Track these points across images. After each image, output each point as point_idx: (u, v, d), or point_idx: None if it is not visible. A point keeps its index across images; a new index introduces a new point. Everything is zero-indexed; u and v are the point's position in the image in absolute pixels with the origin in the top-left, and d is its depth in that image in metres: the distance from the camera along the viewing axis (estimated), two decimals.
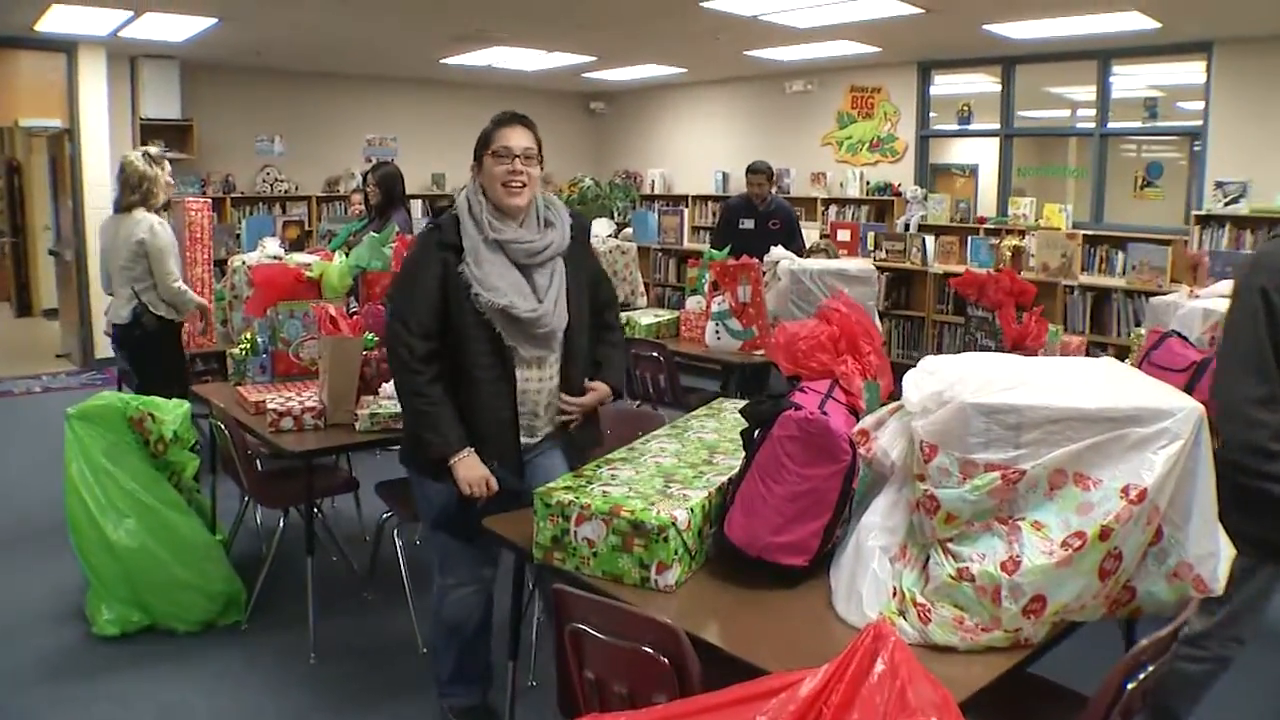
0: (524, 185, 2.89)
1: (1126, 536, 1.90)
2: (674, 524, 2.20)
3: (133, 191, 4.88)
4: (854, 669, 1.61)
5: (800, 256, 6.17)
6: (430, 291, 2.86)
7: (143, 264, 4.86)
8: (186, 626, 3.90)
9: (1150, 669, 1.95)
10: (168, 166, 5.04)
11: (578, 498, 2.32)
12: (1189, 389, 3.58)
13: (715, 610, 2.17)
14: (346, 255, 4.79)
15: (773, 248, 6.12)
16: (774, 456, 2.26)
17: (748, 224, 7.37)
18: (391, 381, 3.86)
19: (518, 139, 2.90)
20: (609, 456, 2.71)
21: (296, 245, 8.50)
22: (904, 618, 2.00)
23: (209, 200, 5.40)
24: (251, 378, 4.34)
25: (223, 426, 3.96)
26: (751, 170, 7.40)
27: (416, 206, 11.10)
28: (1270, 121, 7.35)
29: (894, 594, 2.05)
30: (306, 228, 10.31)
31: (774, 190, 7.61)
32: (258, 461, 4.65)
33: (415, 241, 3.18)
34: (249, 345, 4.36)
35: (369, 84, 11.34)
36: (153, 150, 5.05)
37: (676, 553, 2.21)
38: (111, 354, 6.85)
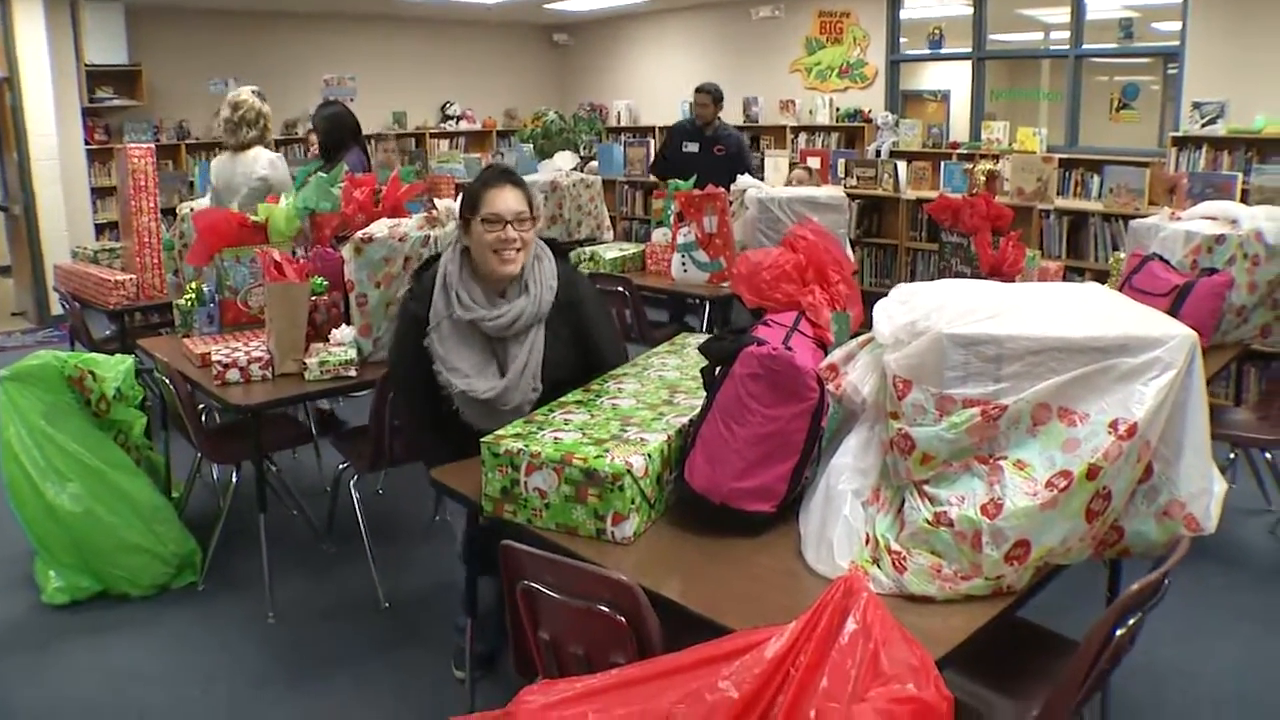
0: (518, 251, 2.75)
1: (1115, 475, 1.76)
2: (629, 472, 2.05)
3: (250, 128, 4.94)
4: (823, 627, 1.50)
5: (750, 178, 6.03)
6: (409, 354, 2.87)
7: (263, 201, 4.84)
8: (140, 591, 3.75)
9: (1139, 615, 1.83)
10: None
11: (527, 445, 2.16)
12: (1172, 313, 3.46)
13: (676, 564, 2.03)
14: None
15: (727, 175, 5.97)
16: (736, 396, 2.10)
17: (691, 147, 7.17)
18: (342, 327, 3.74)
19: (507, 203, 2.73)
20: (562, 400, 2.54)
21: None
22: (878, 566, 1.86)
23: (152, 146, 5.15)
24: (199, 329, 4.13)
25: (168, 381, 3.78)
26: (697, 89, 7.17)
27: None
28: (1248, 40, 7.14)
29: (867, 541, 1.91)
30: None
31: (720, 116, 7.35)
32: (216, 415, 4.49)
33: (403, 298, 3.14)
34: (195, 295, 4.16)
35: (324, 22, 10.94)
36: (256, 88, 5.10)
37: (634, 502, 2.06)
38: (63, 311, 6.64)
